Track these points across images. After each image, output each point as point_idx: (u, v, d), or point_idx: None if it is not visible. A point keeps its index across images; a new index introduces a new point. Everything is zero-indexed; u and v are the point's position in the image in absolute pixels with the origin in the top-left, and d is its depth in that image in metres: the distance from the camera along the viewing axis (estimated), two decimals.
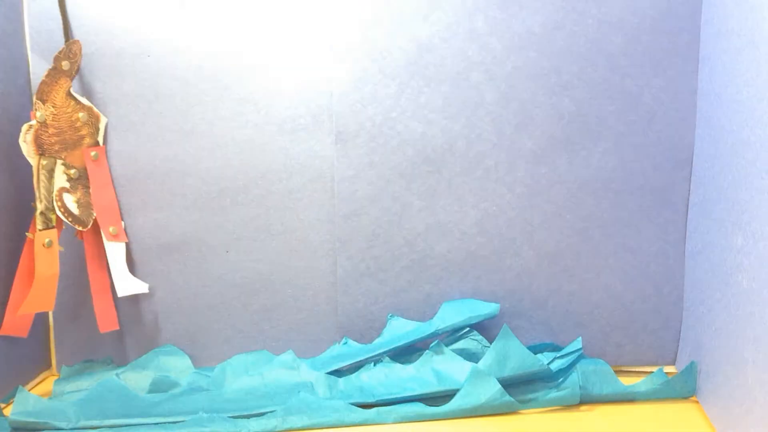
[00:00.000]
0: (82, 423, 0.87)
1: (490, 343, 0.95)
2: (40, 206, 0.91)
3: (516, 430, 0.86)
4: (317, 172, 0.97)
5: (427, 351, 0.94)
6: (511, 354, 0.89)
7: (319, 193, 0.97)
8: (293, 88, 0.95)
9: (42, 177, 0.90)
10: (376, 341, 0.98)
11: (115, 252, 0.96)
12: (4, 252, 0.93)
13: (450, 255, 0.97)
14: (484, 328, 0.98)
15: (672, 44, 0.91)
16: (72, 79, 0.92)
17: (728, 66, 0.83)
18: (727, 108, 0.83)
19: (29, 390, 0.96)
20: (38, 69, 0.95)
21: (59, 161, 0.91)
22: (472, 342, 0.96)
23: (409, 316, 0.99)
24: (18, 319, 0.93)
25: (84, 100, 0.93)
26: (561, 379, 0.91)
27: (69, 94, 0.91)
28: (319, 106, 0.95)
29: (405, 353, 0.97)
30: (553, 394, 0.89)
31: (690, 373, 0.90)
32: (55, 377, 1.01)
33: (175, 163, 0.97)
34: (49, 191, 0.91)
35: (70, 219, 0.92)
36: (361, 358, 0.96)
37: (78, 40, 0.92)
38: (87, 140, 0.93)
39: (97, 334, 1.00)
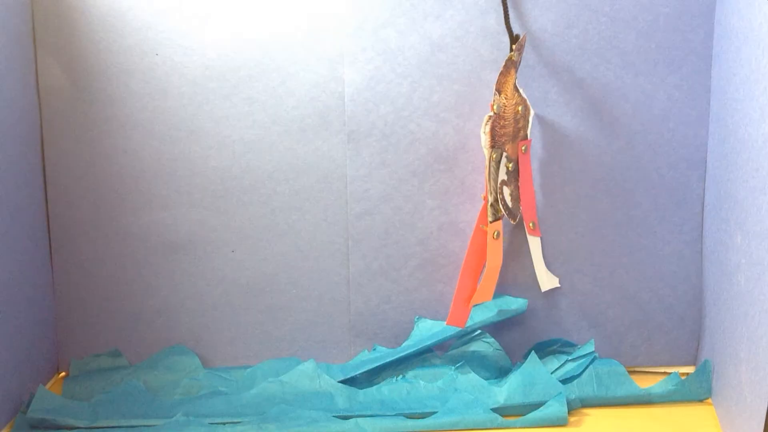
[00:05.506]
0: (100, 422, 0.87)
1: (501, 346, 0.96)
2: (490, 198, 0.89)
3: None
4: (324, 173, 0.97)
5: (451, 372, 0.94)
6: (537, 381, 0.90)
7: (326, 194, 0.97)
8: (301, 88, 0.95)
9: (491, 169, 0.88)
10: (404, 344, 0.97)
11: (536, 246, 0.95)
12: (14, 248, 0.91)
13: (463, 254, 0.96)
14: (496, 328, 0.98)
15: (686, 42, 0.91)
16: (516, 72, 0.90)
17: (730, 64, 0.84)
18: (729, 106, 0.84)
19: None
20: (46, 67, 0.94)
21: (504, 154, 0.90)
22: (483, 344, 0.96)
23: (422, 315, 0.99)
24: (461, 311, 0.92)
25: (523, 93, 0.91)
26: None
27: (515, 87, 0.90)
28: (327, 106, 0.95)
29: (430, 377, 0.96)
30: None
31: (704, 373, 0.90)
32: (63, 375, 1.00)
33: (182, 162, 0.97)
34: (496, 182, 0.89)
35: (506, 212, 0.91)
36: (388, 360, 0.95)
37: (526, 33, 0.90)
38: (522, 133, 0.92)
39: (102, 332, 0.99)
